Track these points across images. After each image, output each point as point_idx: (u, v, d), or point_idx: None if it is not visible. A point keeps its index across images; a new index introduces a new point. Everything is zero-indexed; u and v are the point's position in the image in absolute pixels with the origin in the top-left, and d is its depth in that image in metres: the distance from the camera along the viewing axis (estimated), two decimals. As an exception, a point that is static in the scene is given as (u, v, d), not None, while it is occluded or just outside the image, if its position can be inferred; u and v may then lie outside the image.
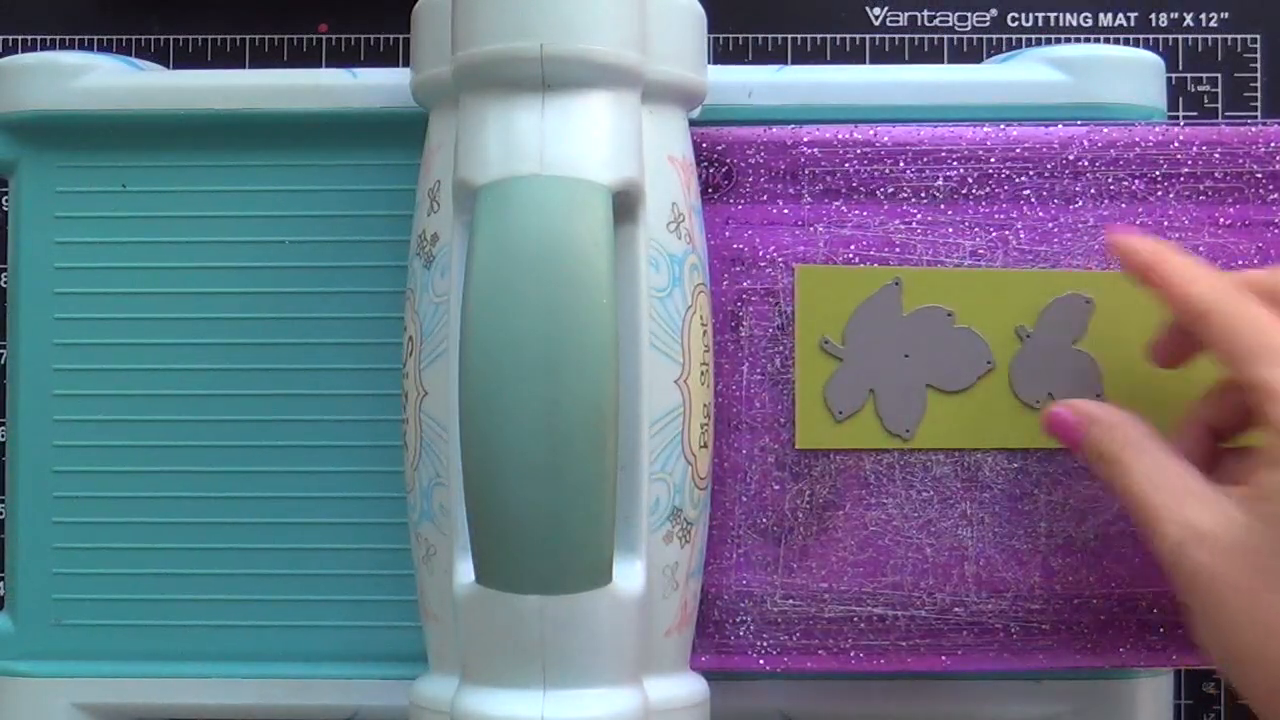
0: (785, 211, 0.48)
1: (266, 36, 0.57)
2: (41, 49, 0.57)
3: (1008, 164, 0.48)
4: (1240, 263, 0.48)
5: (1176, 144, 0.48)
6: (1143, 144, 0.48)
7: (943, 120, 0.48)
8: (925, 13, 0.57)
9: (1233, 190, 0.48)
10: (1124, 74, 0.49)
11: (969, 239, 0.48)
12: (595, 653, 0.42)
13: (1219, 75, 0.56)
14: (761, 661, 0.48)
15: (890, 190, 0.48)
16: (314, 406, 0.50)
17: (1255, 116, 0.56)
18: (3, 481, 0.53)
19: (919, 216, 0.48)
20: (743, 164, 0.48)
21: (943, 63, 0.57)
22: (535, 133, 0.42)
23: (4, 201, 0.56)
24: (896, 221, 0.48)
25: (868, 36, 0.57)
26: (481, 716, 0.42)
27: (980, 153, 0.48)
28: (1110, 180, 0.48)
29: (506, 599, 0.42)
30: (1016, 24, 0.57)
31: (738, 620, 0.48)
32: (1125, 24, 0.57)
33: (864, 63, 0.57)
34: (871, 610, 0.48)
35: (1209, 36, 0.57)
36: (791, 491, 0.48)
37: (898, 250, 0.48)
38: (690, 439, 0.45)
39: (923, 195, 0.48)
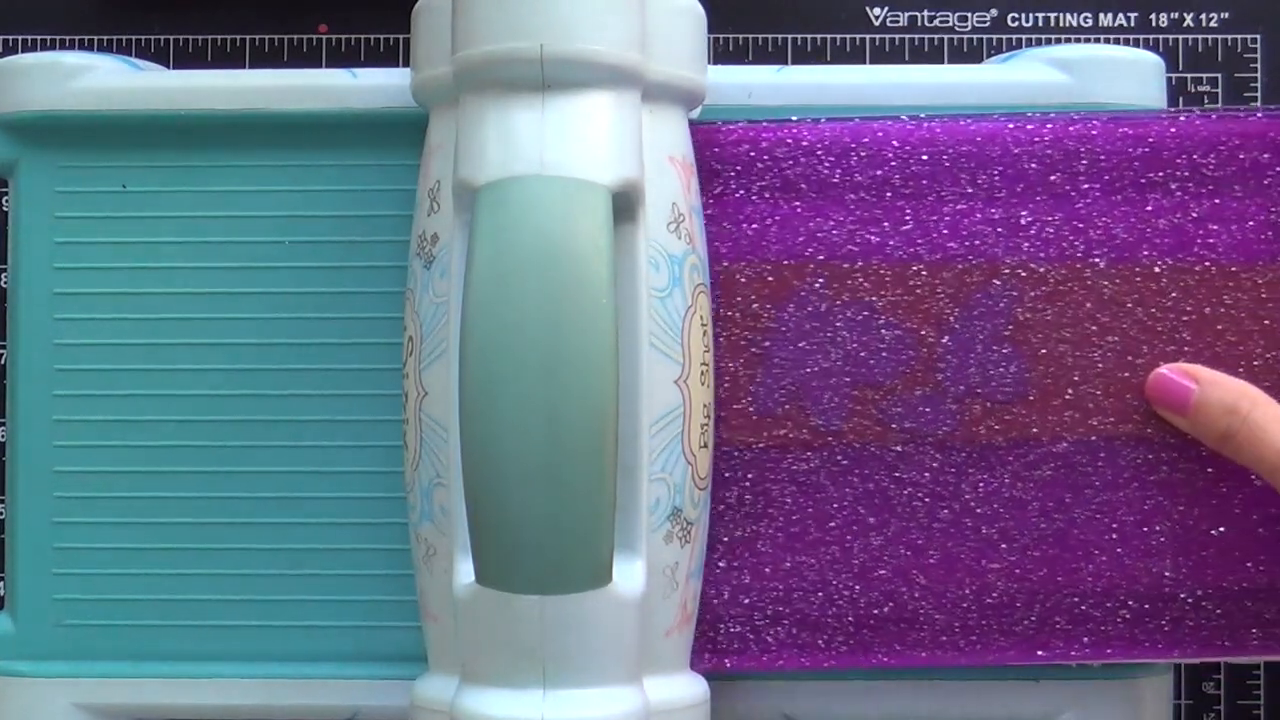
0: (711, 209, 0.48)
1: (267, 37, 0.57)
2: (42, 49, 0.57)
3: (932, 159, 0.48)
4: (1156, 254, 0.48)
5: (1098, 137, 0.48)
6: (1065, 138, 0.48)
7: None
8: (925, 13, 0.57)
9: (1157, 184, 0.48)
10: (1124, 74, 0.49)
11: (894, 235, 0.48)
12: (595, 653, 0.42)
13: (1219, 75, 0.56)
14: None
15: (816, 187, 0.48)
16: (314, 406, 0.50)
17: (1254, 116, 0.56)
18: (3, 482, 0.53)
19: (845, 213, 0.48)
20: None
21: (943, 63, 0.57)
22: (535, 133, 0.42)
23: (4, 202, 0.56)
24: (822, 218, 0.48)
25: (868, 37, 0.57)
26: (481, 717, 0.42)
27: (906, 149, 0.48)
28: (1034, 175, 0.48)
29: (506, 599, 0.42)
30: (1017, 24, 0.57)
31: None
32: (1125, 24, 0.57)
33: (864, 63, 0.57)
34: (800, 609, 0.48)
35: (1209, 36, 0.57)
36: (720, 490, 0.48)
37: (823, 247, 0.48)
38: (690, 439, 0.45)
39: (849, 192, 0.48)
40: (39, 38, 0.57)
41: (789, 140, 0.48)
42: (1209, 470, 0.48)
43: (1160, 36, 0.57)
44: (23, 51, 0.57)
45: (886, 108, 0.49)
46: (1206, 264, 0.48)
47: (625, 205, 0.43)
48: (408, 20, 0.46)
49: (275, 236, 0.50)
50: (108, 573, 0.50)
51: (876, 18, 0.57)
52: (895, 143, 0.48)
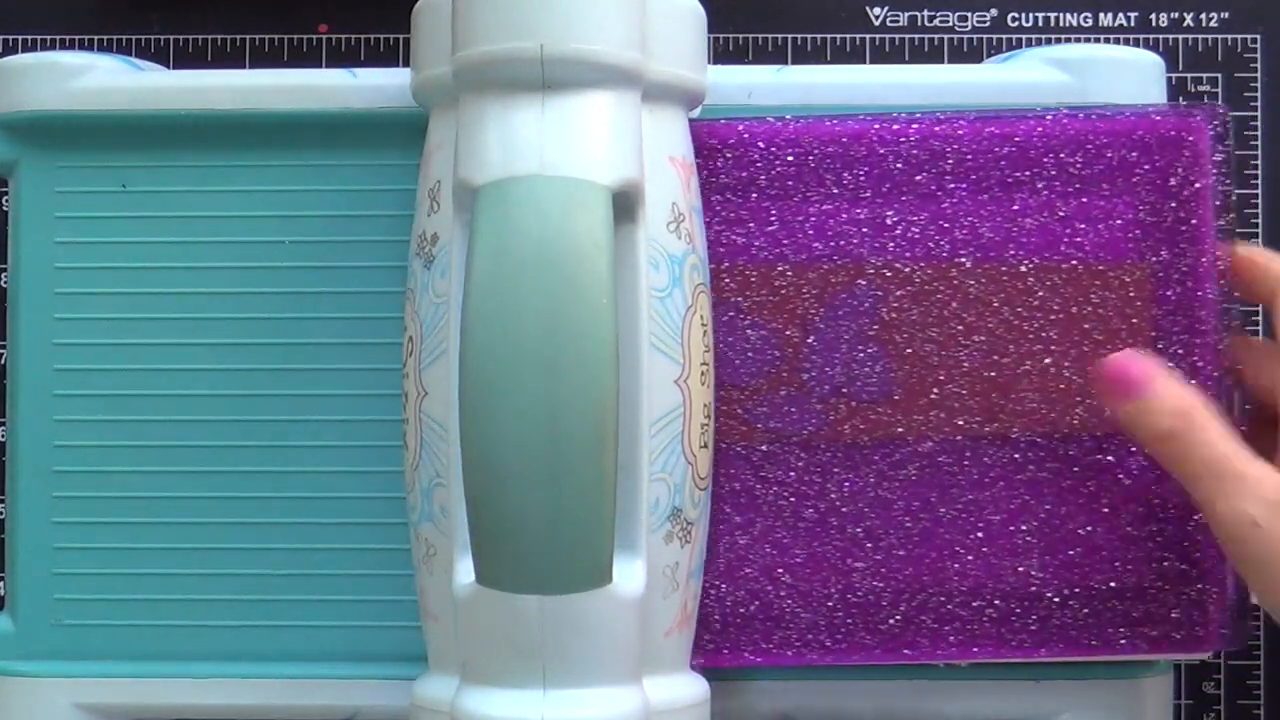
0: None
1: (266, 37, 0.57)
2: (42, 49, 0.57)
3: (798, 160, 0.48)
4: (1023, 254, 0.48)
5: (964, 136, 0.48)
6: (931, 137, 0.48)
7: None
8: (925, 13, 0.57)
9: (1024, 183, 0.48)
10: (1124, 74, 0.49)
11: (759, 236, 0.48)
12: (595, 653, 0.42)
13: (1219, 75, 0.56)
14: None
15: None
16: (314, 406, 0.50)
17: (1255, 116, 0.56)
18: (3, 481, 0.53)
19: (711, 214, 0.48)
20: None
21: (943, 63, 0.57)
22: (535, 133, 0.42)
23: (4, 202, 0.56)
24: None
25: (868, 36, 0.57)
26: (481, 717, 0.42)
27: (772, 150, 0.48)
28: (899, 174, 0.48)
29: (506, 599, 0.42)
30: (1017, 24, 0.57)
31: None
32: (1125, 24, 0.57)
33: (864, 63, 0.57)
34: None
35: (1209, 36, 0.57)
36: None
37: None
38: (690, 439, 0.45)
39: (715, 193, 0.48)
40: (39, 37, 0.57)
41: None
42: (1075, 470, 0.48)
43: (1160, 36, 0.57)
44: (22, 51, 0.57)
45: (886, 107, 0.49)
46: (1073, 263, 0.48)
47: (625, 205, 0.43)
48: (408, 20, 0.46)
49: (275, 236, 0.50)
50: (108, 572, 0.50)
51: (876, 17, 0.57)
52: (761, 144, 0.48)
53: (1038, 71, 0.49)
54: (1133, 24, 0.57)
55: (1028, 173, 0.48)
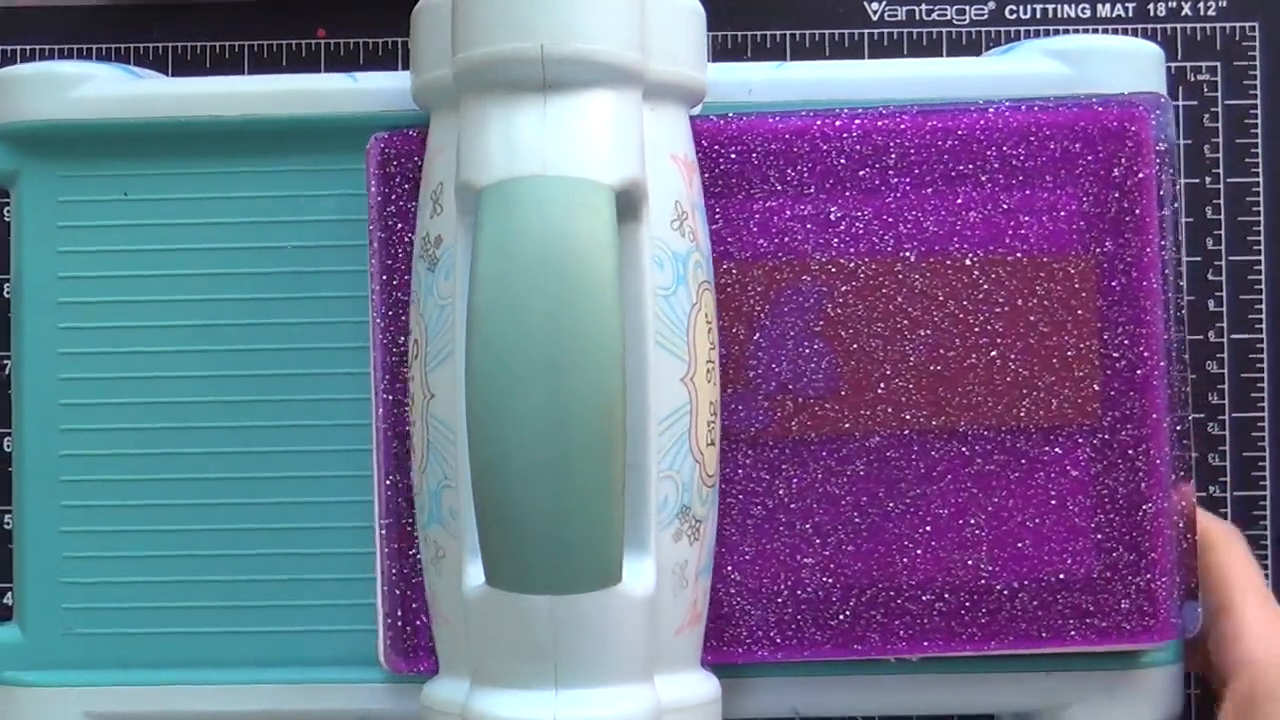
0: None
1: (265, 42, 0.57)
2: (40, 59, 0.57)
3: (740, 157, 0.48)
4: (967, 247, 0.48)
5: (907, 130, 0.48)
6: (873, 132, 0.48)
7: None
8: (924, 6, 0.57)
9: (967, 177, 0.48)
10: (1123, 64, 0.49)
11: None
12: (606, 652, 0.42)
13: (1218, 64, 0.56)
14: None
15: None
16: (323, 411, 0.50)
17: (1254, 105, 0.56)
18: (10, 491, 0.53)
19: None
20: None
21: (942, 56, 0.57)
22: (537, 133, 0.42)
23: (6, 212, 0.56)
24: None
25: (867, 31, 0.57)
26: (494, 717, 0.42)
27: (715, 147, 0.48)
28: (843, 169, 0.48)
29: (516, 600, 0.42)
30: (1015, 16, 0.57)
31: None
32: (1123, 14, 0.57)
33: (863, 57, 0.57)
34: None
35: (1207, 25, 0.57)
36: None
37: None
38: (698, 437, 0.45)
39: None
40: (37, 48, 0.57)
41: None
42: (1023, 462, 0.48)
43: (1158, 26, 0.57)
44: (21, 61, 0.57)
45: (886, 101, 0.49)
46: (1018, 255, 0.48)
47: (628, 204, 0.43)
48: (407, 23, 0.46)
49: (277, 242, 0.50)
50: (116, 581, 0.50)
51: (875, 12, 0.57)
52: (703, 141, 0.48)
53: (1037, 63, 0.49)
54: (1131, 14, 0.57)
55: (971, 166, 0.48)
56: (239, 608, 0.50)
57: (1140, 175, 0.48)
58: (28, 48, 0.57)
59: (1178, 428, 0.48)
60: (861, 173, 0.48)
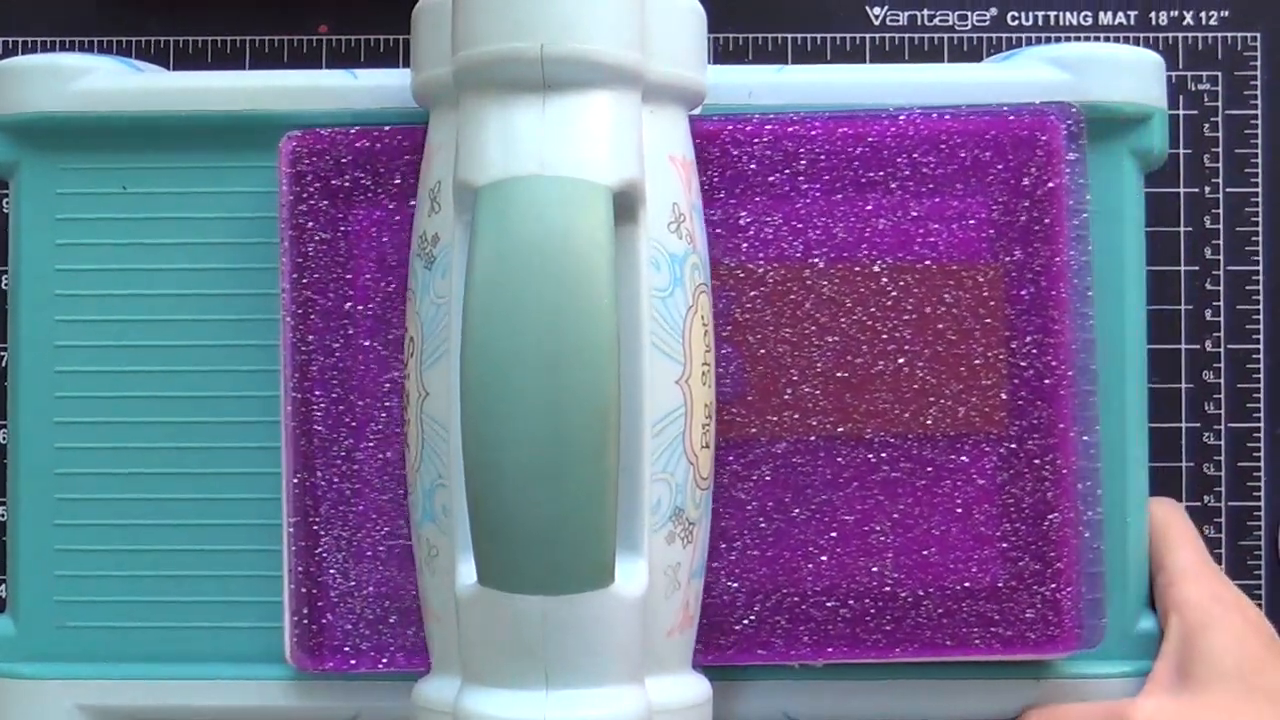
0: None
1: (266, 38, 0.57)
2: (41, 51, 0.57)
3: None
4: (876, 254, 0.48)
5: (818, 137, 0.48)
6: (784, 138, 0.48)
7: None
8: (925, 12, 0.57)
9: (877, 184, 0.48)
10: (1124, 73, 0.49)
11: None
12: (598, 653, 0.42)
13: (1219, 74, 0.56)
14: (361, 662, 0.48)
15: None
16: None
17: (1255, 115, 0.56)
18: (4, 484, 0.53)
19: None
20: (383, 167, 0.48)
21: (943, 62, 0.57)
22: (536, 133, 0.42)
23: (5, 204, 0.56)
24: None
25: (868, 36, 0.57)
26: (484, 717, 0.42)
27: None
28: (753, 175, 0.48)
29: (508, 599, 0.42)
30: (1016, 23, 0.57)
31: (387, 618, 0.48)
32: (1125, 22, 0.57)
33: (864, 62, 0.57)
34: None
35: (1208, 35, 0.57)
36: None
37: None
38: (692, 439, 0.45)
39: None
40: (39, 39, 0.57)
41: None
42: (929, 470, 0.48)
43: (1160, 35, 0.57)
44: (23, 53, 0.57)
45: (886, 107, 0.49)
46: (927, 263, 0.48)
47: (626, 205, 0.43)
48: (408, 21, 0.46)
49: (276, 238, 0.50)
50: (109, 574, 0.50)
51: (876, 17, 0.57)
52: None
53: (1038, 70, 0.49)
54: (1133, 22, 0.57)
55: (881, 173, 0.48)
56: (232, 603, 0.50)
57: (1050, 184, 0.48)
58: (29, 39, 0.57)
59: (1085, 437, 0.48)
60: (771, 178, 0.48)
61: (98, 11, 0.57)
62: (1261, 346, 0.56)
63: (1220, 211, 0.56)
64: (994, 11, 0.57)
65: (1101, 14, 0.57)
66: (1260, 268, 0.56)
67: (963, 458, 0.48)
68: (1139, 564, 0.50)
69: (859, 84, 0.50)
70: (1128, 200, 0.50)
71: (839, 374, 0.48)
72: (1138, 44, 0.56)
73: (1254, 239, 0.56)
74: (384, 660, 0.48)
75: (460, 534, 0.43)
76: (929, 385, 0.48)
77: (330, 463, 0.48)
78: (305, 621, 0.48)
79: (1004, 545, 0.48)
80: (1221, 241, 0.56)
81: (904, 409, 0.48)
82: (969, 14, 0.57)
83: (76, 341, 0.50)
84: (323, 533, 0.48)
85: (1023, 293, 0.48)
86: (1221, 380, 0.56)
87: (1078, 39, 0.57)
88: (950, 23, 0.57)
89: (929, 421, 0.48)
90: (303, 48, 0.57)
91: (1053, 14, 0.57)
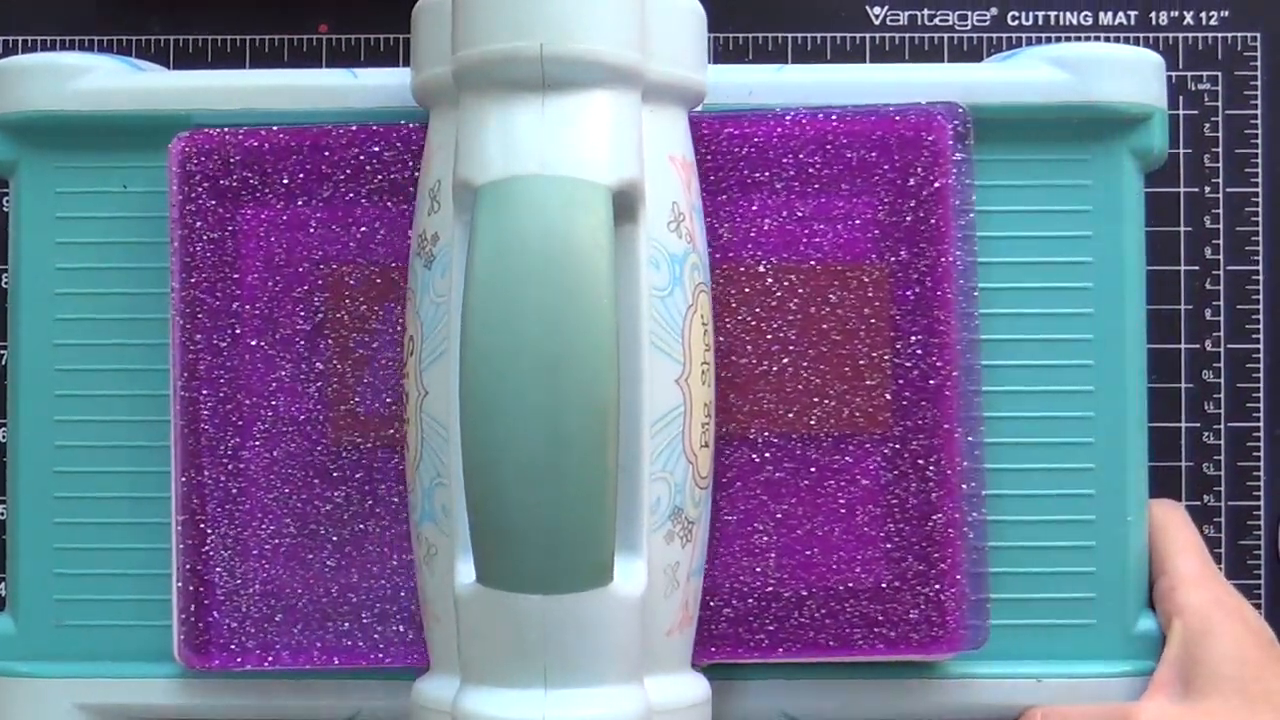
0: (317, 213, 0.48)
1: (267, 37, 0.57)
2: (42, 49, 0.57)
3: None
4: (761, 254, 0.48)
5: (704, 138, 0.48)
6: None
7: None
8: (925, 11, 0.57)
9: (762, 184, 0.48)
10: (1124, 73, 0.49)
11: None
12: (597, 652, 0.42)
13: (1219, 74, 0.56)
14: (248, 659, 0.48)
15: (411, 188, 0.48)
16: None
17: (1255, 115, 0.56)
18: (4, 482, 0.53)
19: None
20: (270, 167, 0.48)
21: (943, 62, 0.57)
22: (535, 133, 0.42)
23: (4, 202, 0.56)
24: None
25: (868, 35, 0.57)
26: (483, 716, 0.42)
27: None
28: None
29: (508, 599, 0.42)
30: (1017, 23, 0.57)
31: (273, 617, 0.48)
32: (1125, 22, 0.57)
33: (864, 62, 0.57)
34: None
35: (1209, 35, 0.57)
36: (328, 489, 0.48)
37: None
38: (691, 438, 0.45)
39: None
40: (39, 38, 0.57)
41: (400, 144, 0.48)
42: (813, 470, 0.48)
43: (1160, 35, 0.57)
44: (23, 52, 0.57)
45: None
46: (812, 263, 0.48)
47: (626, 205, 0.43)
48: (408, 20, 0.46)
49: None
50: (109, 573, 0.50)
51: (877, 16, 0.57)
52: None
53: (1038, 70, 0.49)
54: (1133, 22, 0.57)
55: (766, 173, 0.48)
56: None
57: (936, 184, 0.48)
58: (29, 38, 0.57)
59: (969, 438, 0.48)
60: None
61: (98, 11, 0.57)
62: (1261, 346, 0.56)
63: (1220, 211, 0.56)
64: (994, 11, 0.57)
65: (1101, 14, 0.57)
66: (1260, 268, 0.56)
67: (847, 458, 0.48)
68: (1139, 564, 0.50)
69: (859, 84, 0.50)
70: (1128, 200, 0.50)
71: (723, 374, 0.48)
72: (1138, 44, 0.56)
73: (1254, 239, 0.56)
74: (270, 659, 0.48)
75: (460, 533, 0.43)
76: (814, 385, 0.48)
77: (217, 461, 0.48)
78: (192, 620, 0.48)
79: (888, 546, 0.48)
80: (1221, 241, 0.56)
81: (788, 409, 0.48)
82: (969, 14, 0.57)
83: (76, 340, 0.50)
84: (210, 531, 0.48)
85: (908, 293, 0.48)
86: (1221, 380, 0.56)
87: (1078, 39, 0.57)
88: (950, 23, 0.57)
89: (813, 421, 0.48)
90: (303, 47, 0.57)
91: (1053, 14, 0.57)
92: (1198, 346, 0.56)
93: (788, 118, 0.48)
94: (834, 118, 0.48)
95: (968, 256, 0.48)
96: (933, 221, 0.48)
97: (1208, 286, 0.56)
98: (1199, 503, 0.55)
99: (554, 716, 0.42)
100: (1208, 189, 0.56)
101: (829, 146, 0.48)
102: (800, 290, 0.48)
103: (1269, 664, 0.47)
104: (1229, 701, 0.46)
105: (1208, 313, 0.56)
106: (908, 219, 0.48)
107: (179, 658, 0.49)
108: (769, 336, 0.48)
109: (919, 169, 0.48)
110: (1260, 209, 0.56)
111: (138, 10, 0.57)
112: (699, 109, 0.47)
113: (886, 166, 0.48)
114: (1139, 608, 0.50)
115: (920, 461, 0.48)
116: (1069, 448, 0.49)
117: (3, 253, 0.54)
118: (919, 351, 0.48)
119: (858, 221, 0.48)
